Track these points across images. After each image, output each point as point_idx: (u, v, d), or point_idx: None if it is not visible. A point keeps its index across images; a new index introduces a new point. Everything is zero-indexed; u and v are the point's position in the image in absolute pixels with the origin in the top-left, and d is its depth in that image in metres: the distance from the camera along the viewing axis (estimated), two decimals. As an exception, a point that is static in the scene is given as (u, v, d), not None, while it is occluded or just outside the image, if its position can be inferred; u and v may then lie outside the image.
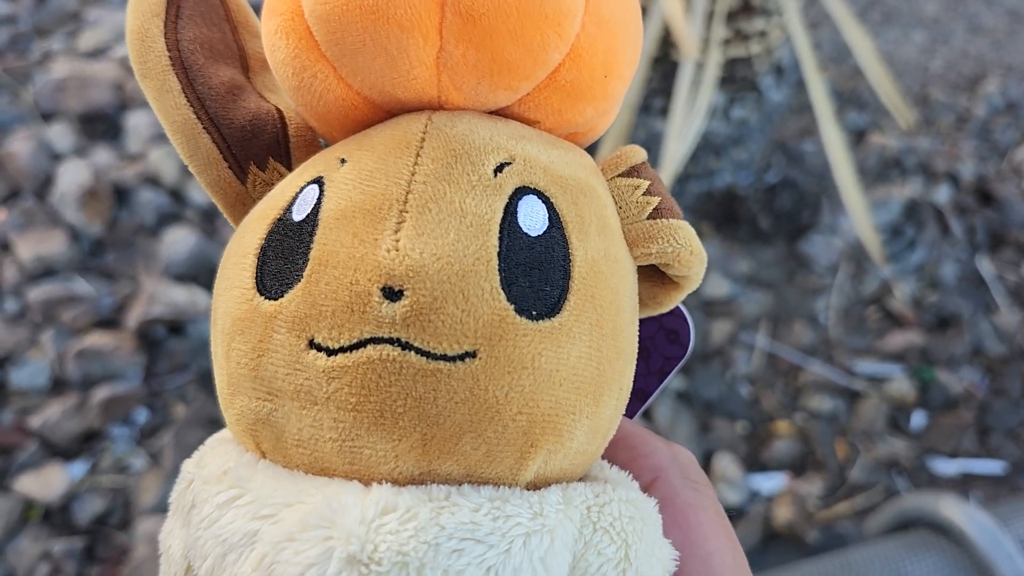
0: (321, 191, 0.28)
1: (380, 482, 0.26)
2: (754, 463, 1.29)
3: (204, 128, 0.32)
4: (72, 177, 1.53)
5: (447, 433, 0.25)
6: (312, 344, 0.26)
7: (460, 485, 0.26)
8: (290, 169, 0.32)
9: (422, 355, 0.25)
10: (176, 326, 1.38)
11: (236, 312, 0.28)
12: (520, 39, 0.27)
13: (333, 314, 0.26)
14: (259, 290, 0.28)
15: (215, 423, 1.25)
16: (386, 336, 0.25)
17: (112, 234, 1.51)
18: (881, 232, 1.53)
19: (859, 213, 1.34)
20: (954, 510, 0.86)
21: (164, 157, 1.60)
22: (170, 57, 0.32)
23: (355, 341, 0.25)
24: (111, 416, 1.27)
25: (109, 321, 1.39)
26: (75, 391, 1.29)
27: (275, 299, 0.27)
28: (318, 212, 0.27)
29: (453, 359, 0.25)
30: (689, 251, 0.30)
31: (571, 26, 0.28)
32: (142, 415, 1.30)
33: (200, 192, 1.52)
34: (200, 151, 0.32)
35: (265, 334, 0.27)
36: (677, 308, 0.36)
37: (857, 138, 1.77)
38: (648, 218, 0.30)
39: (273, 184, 0.32)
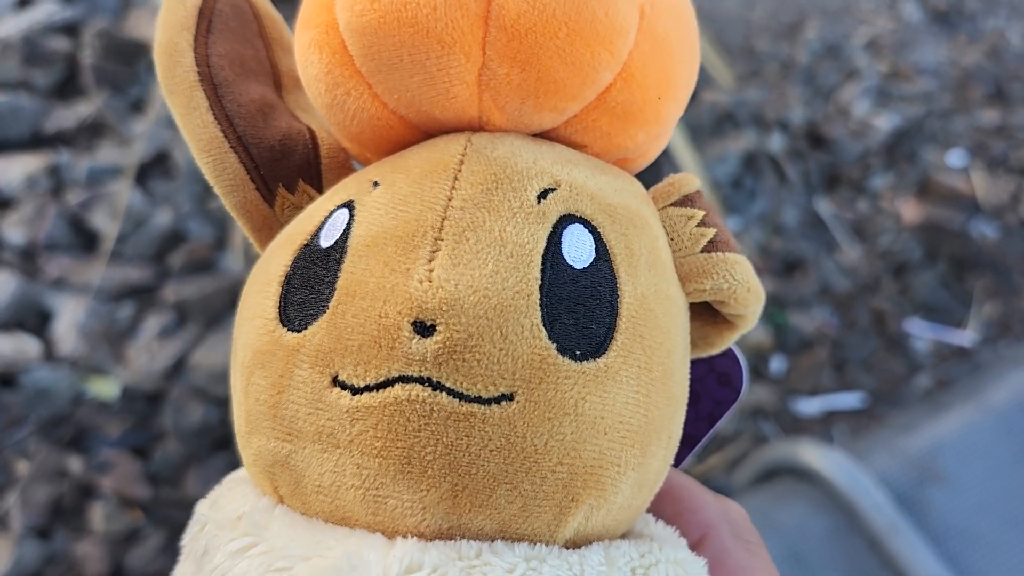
0: (351, 216, 0.26)
1: (405, 535, 0.24)
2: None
3: (231, 147, 0.30)
4: None
5: (480, 484, 0.23)
6: (336, 381, 0.24)
7: (492, 542, 0.24)
8: (321, 192, 0.30)
9: (454, 396, 0.23)
10: (6, 378, 1.28)
11: (257, 344, 0.26)
12: (568, 57, 0.25)
13: (359, 349, 0.23)
14: (282, 321, 0.25)
15: (63, 475, 1.17)
16: (415, 375, 0.23)
17: (-79, 288, 1.40)
18: (723, 186, 1.56)
19: (693, 170, 1.38)
20: (812, 454, 0.89)
21: (-30, 198, 1.49)
22: (199, 73, 0.30)
23: (382, 379, 0.23)
24: (-53, 484, 1.18)
25: (-71, 383, 1.29)
26: (-102, 465, 1.19)
27: (298, 331, 0.25)
28: (347, 238, 0.25)
29: (488, 402, 0.23)
30: (747, 288, 0.28)
31: (624, 44, 0.25)
32: (-18, 478, 1.20)
33: (16, 231, 1.41)
34: (227, 172, 0.30)
35: (286, 369, 0.25)
36: (728, 348, 0.33)
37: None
38: (702, 251, 0.28)
39: (303, 207, 0.30)
